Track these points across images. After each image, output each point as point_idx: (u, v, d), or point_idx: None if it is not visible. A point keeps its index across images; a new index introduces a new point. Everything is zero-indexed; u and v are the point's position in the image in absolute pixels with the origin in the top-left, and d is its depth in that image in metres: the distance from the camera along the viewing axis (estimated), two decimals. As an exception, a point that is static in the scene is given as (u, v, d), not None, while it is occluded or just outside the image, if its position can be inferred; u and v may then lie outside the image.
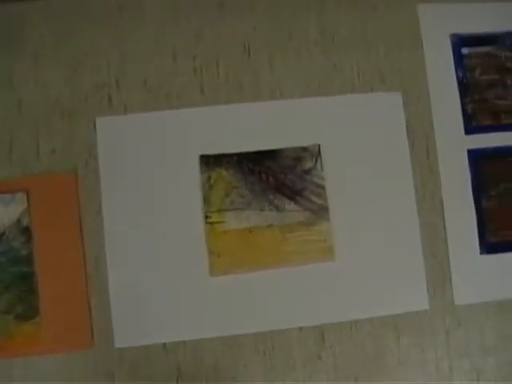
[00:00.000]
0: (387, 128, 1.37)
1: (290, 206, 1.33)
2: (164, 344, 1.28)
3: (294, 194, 1.34)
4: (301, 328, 1.31)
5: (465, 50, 1.44)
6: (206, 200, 1.31)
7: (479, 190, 1.42)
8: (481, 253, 1.35)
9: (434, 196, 1.36)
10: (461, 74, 1.44)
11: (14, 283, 1.21)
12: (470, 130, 1.44)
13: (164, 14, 1.31)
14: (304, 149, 1.34)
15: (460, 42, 1.44)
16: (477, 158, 1.43)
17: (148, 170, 1.31)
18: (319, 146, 1.34)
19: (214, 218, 1.31)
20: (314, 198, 1.34)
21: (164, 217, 1.30)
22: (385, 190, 1.35)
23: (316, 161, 1.34)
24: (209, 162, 1.31)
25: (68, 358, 1.23)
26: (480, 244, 1.35)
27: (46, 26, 1.29)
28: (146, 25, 1.32)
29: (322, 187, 1.33)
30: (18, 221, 1.23)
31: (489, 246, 1.39)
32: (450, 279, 1.33)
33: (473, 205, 1.37)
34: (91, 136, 1.29)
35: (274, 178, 1.33)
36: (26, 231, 1.31)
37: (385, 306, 1.33)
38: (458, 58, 1.44)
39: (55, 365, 1.23)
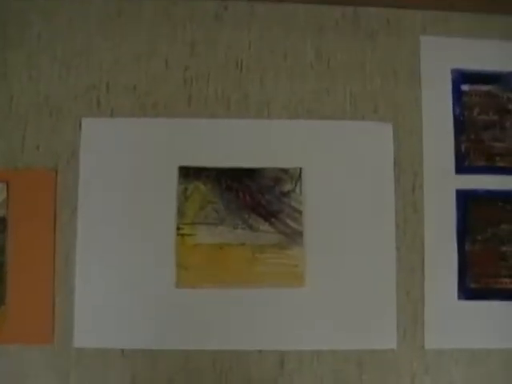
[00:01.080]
0: (374, 159, 1.35)
1: (264, 226, 1.31)
2: (122, 350, 1.27)
3: (269, 215, 1.32)
4: (260, 351, 1.29)
5: (465, 87, 1.40)
6: (180, 211, 1.30)
7: (464, 232, 1.37)
8: (459, 298, 1.31)
9: (415, 234, 1.33)
10: (458, 111, 1.39)
11: (-16, 269, 1.22)
12: (461, 169, 1.39)
13: (160, 23, 1.32)
14: (285, 171, 1.32)
15: (460, 78, 1.39)
16: (465, 199, 1.38)
17: (127, 175, 1.30)
18: (301, 169, 1.32)
19: (186, 230, 1.30)
20: (290, 222, 1.32)
21: (137, 223, 1.30)
22: (364, 222, 1.33)
23: (296, 184, 1.33)
24: (188, 174, 1.30)
25: (26, 351, 1.24)
26: (459, 289, 1.31)
27: (44, 24, 1.30)
28: (142, 31, 1.33)
29: (299, 211, 1.31)
30: (-4, 210, 1.24)
31: (468, 291, 1.34)
32: (423, 321, 1.28)
33: (456, 247, 1.32)
34: (76, 136, 1.30)
35: (250, 196, 1.32)
36: (2, 221, 1.33)
37: (350, 340, 1.30)
38: (457, 95, 1.40)
39: (13, 355, 1.24)
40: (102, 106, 1.32)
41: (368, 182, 1.33)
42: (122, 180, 1.31)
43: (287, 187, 1.32)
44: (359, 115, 1.34)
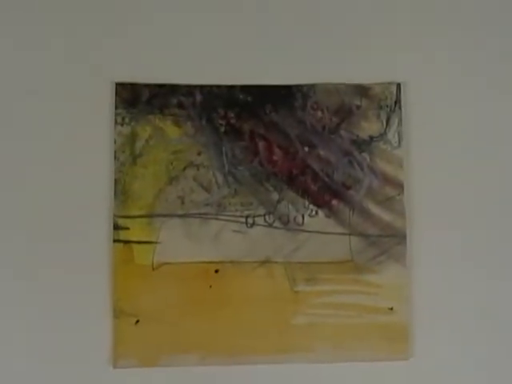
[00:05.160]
0: None
1: (315, 218, 0.72)
2: None
3: (327, 194, 0.72)
4: None
5: None
6: (122, 189, 0.72)
7: None
8: None
9: None
10: None
11: None
12: None
13: None
14: (362, 90, 0.73)
15: None
16: None
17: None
18: (399, 86, 0.73)
19: (135, 232, 0.71)
20: (376, 209, 0.72)
21: (22, 220, 0.71)
22: None
23: (388, 122, 0.72)
24: (136, 100, 0.72)
25: None
26: None
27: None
28: None
29: (398, 184, 0.72)
30: None
31: None
32: None
33: None
34: None
35: (284, 150, 0.72)
36: None
37: None
38: None
39: None
40: None
41: None
42: None
43: (369, 129, 0.73)
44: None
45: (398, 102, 0.72)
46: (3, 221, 0.71)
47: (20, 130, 0.73)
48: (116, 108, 0.72)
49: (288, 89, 0.73)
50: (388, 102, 0.73)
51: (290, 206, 0.72)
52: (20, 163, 0.74)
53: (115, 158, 0.72)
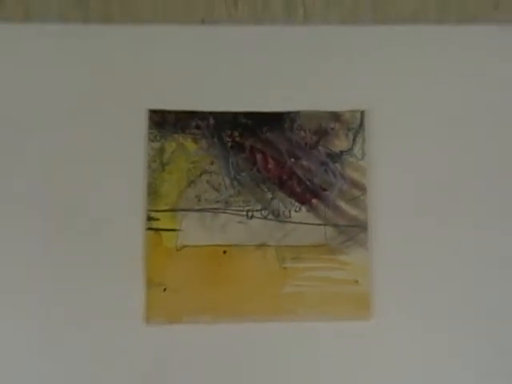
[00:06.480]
0: (497, 88, 0.91)
1: (299, 213, 0.88)
2: None
3: (308, 194, 0.88)
4: None
5: None
6: (153, 189, 0.88)
7: None
8: None
9: None
10: None
11: None
12: None
13: None
14: (335, 116, 0.89)
15: None
16: None
17: (51, 123, 0.88)
18: (363, 113, 0.89)
19: (163, 222, 0.87)
20: (345, 205, 0.88)
21: (73, 213, 0.87)
22: (482, 207, 0.89)
23: (355, 139, 0.88)
24: (164, 122, 0.88)
25: None
26: None
27: None
28: None
29: (361, 187, 0.88)
30: None
31: None
32: None
33: None
34: None
35: (276, 161, 0.88)
36: None
37: None
38: None
39: None
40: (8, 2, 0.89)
41: (489, 134, 0.90)
42: (39, 136, 0.88)
43: (340, 145, 0.89)
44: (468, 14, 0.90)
45: (361, 125, 0.90)
46: (65, 215, 0.87)
47: (74, 142, 0.88)
48: (149, 128, 0.88)
49: (280, 114, 0.89)
50: (354, 125, 0.89)
51: (280, 203, 0.88)
52: (76, 173, 0.88)
53: (148, 166, 0.88)
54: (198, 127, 0.88)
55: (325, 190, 0.88)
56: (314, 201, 0.87)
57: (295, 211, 0.87)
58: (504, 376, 0.88)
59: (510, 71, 0.93)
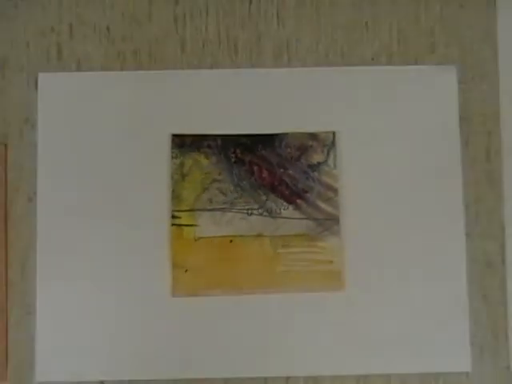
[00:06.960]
0: (432, 114, 1.03)
1: (287, 211, 1.02)
2: (101, 382, 0.98)
3: (294, 196, 1.03)
4: (288, 378, 1.00)
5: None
6: (176, 195, 1.02)
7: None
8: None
9: (491, 215, 1.02)
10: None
11: None
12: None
13: None
14: (313, 136, 1.03)
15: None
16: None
17: (101, 148, 1.02)
18: (334, 133, 1.02)
19: (184, 219, 1.02)
20: (321, 204, 1.02)
21: (117, 213, 1.01)
22: (421, 202, 1.02)
23: (328, 154, 1.02)
24: (183, 144, 1.02)
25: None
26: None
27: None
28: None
29: (334, 190, 1.02)
30: None
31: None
32: (506, 334, 0.98)
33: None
34: (30, 98, 1.01)
35: (269, 171, 1.03)
36: None
37: (409, 362, 1.00)
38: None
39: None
40: (65, 55, 1.02)
41: (425, 147, 1.02)
42: (94, 155, 1.02)
43: (317, 158, 1.03)
44: (411, 57, 1.03)
45: (333, 142, 1.01)
46: (112, 216, 0.99)
47: (118, 162, 1.00)
48: (172, 148, 1.01)
49: (272, 136, 1.01)
50: (328, 142, 1.01)
51: (273, 204, 1.01)
52: (120, 184, 1.00)
53: (172, 177, 1.00)
54: (209, 147, 1.02)
55: (306, 192, 1.02)
56: (299, 201, 1.02)
57: (284, 209, 1.02)
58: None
59: (439, 105, 1.01)
